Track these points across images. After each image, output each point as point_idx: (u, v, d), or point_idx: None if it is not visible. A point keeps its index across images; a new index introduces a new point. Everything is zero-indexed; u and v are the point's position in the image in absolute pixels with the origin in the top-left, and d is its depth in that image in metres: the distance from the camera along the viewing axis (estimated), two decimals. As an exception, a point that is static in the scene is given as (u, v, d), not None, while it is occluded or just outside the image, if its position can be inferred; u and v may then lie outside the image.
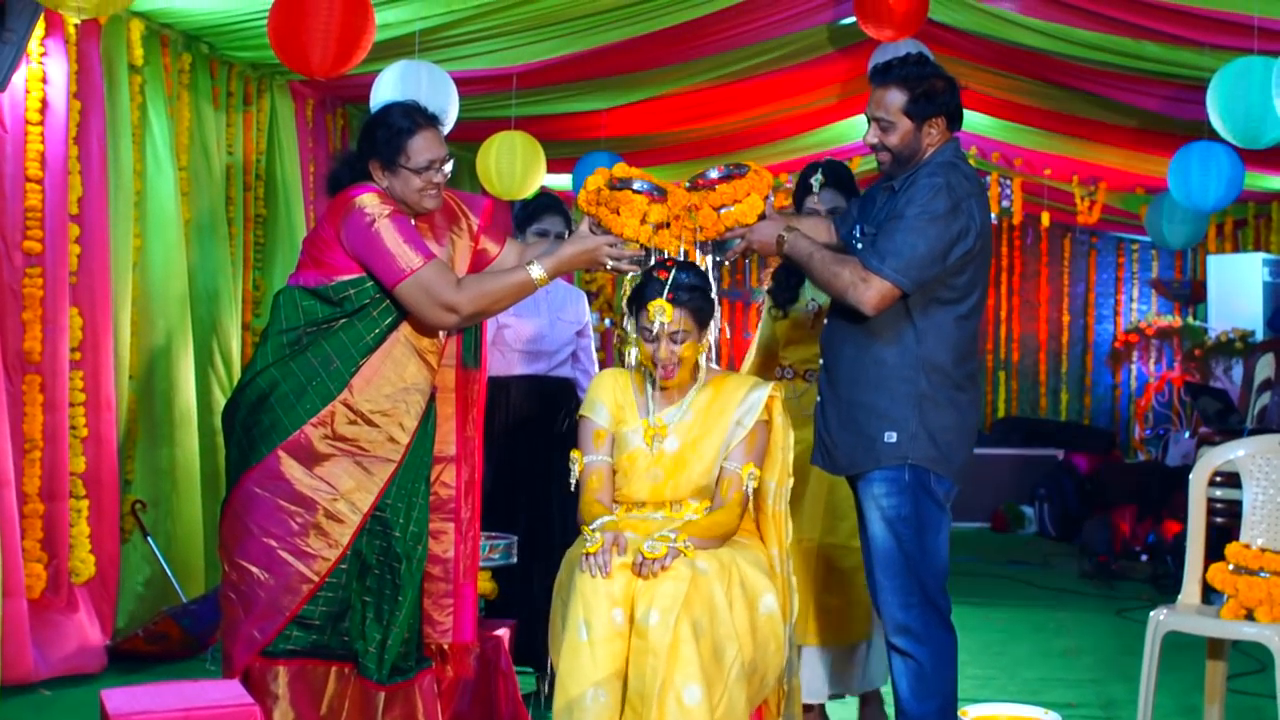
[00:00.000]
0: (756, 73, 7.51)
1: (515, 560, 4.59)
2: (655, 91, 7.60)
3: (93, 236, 5.07)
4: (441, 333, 3.58)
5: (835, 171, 4.48)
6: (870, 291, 3.52)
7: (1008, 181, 10.87)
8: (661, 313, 3.52)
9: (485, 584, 4.56)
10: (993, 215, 11.68)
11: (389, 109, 3.62)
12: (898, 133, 3.63)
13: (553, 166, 7.70)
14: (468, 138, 7.45)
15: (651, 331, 3.55)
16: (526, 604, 4.78)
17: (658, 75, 7.30)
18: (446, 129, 5.68)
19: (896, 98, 3.62)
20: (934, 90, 3.62)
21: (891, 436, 3.63)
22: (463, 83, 6.18)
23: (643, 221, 3.49)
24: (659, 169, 7.92)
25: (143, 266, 5.49)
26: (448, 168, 3.54)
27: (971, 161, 10.25)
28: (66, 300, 4.95)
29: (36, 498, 4.90)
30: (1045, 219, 10.87)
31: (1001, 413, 13.80)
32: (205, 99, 5.93)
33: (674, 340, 3.55)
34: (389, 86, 5.47)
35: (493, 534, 4.69)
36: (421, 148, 3.49)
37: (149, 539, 5.44)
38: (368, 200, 3.43)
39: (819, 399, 3.85)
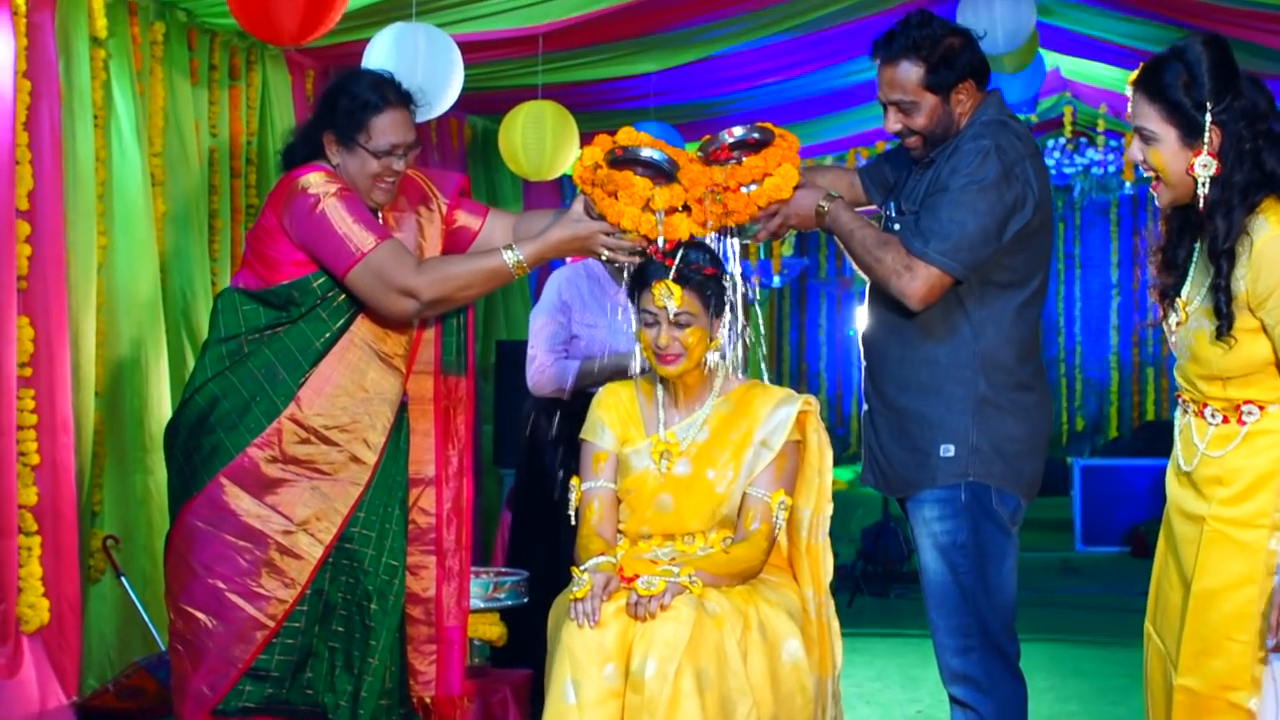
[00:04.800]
0: (834, 24, 7.36)
1: (526, 600, 4.60)
2: (711, 50, 7.48)
3: (45, 235, 5.08)
4: (410, 334, 3.58)
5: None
6: (915, 282, 3.46)
7: (1144, 146, 10.56)
8: (669, 296, 3.49)
9: (492, 628, 4.57)
10: (1128, 185, 11.52)
11: (358, 76, 3.63)
12: (923, 112, 3.56)
13: (588, 142, 7.58)
14: (489, 110, 7.39)
15: (653, 315, 3.53)
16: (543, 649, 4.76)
17: (714, 30, 7.17)
18: (446, 104, 5.70)
19: (911, 72, 3.53)
20: (951, 52, 3.54)
21: (948, 450, 3.58)
22: (480, 47, 6.15)
23: (646, 208, 3.44)
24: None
25: (109, 268, 5.50)
26: (412, 155, 3.54)
27: (1101, 124, 10.16)
28: (14, 309, 4.96)
29: (-24, 535, 4.87)
30: (1193, 190, 10.63)
31: (1150, 415, 13.58)
32: (182, 74, 5.94)
33: (677, 324, 3.52)
34: (381, 55, 5.42)
35: (501, 570, 4.71)
36: (386, 128, 3.48)
37: (123, 579, 5.47)
38: (313, 180, 3.43)
39: (865, 406, 3.80)
